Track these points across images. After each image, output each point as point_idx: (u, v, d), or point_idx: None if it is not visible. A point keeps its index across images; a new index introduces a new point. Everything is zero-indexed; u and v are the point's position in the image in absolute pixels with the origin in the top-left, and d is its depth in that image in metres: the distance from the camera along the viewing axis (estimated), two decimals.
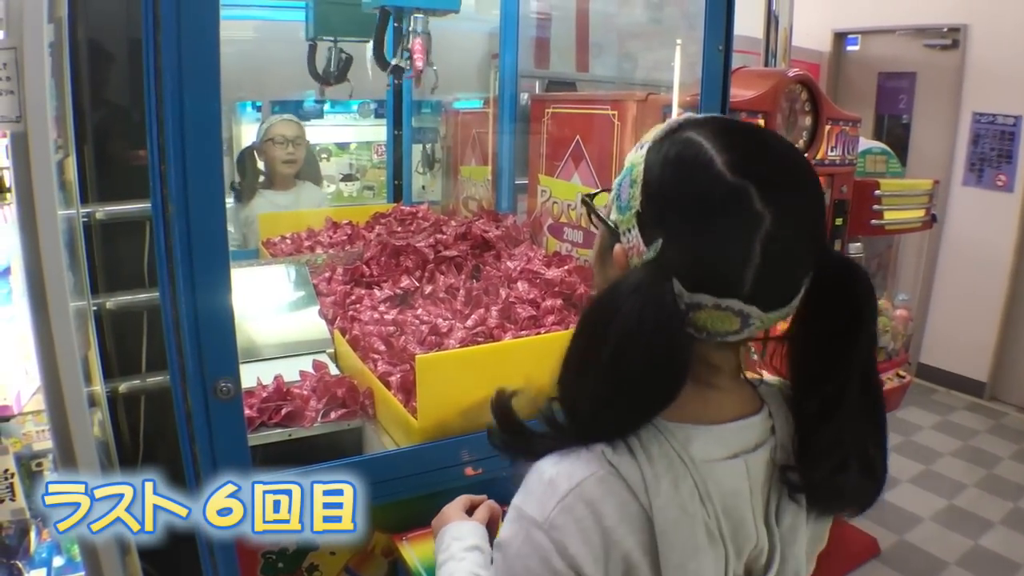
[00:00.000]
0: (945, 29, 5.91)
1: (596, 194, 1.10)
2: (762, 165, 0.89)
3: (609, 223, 1.00)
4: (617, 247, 0.97)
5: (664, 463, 0.91)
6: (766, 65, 3.86)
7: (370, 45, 2.42)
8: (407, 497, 1.58)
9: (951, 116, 5.88)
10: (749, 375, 1.05)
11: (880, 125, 6.49)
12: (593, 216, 1.06)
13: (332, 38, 2.74)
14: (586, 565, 0.88)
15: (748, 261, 0.85)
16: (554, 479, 0.92)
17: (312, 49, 2.81)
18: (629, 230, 0.94)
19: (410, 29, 2.24)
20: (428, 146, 3.75)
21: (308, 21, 2.68)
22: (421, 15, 2.24)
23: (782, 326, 0.99)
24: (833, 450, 0.97)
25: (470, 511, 1.37)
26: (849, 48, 6.63)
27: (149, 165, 1.23)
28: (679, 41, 2.48)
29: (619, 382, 0.88)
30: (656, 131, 0.97)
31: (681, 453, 0.92)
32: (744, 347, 1.01)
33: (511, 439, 1.02)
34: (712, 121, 0.95)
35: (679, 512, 0.90)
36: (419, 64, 2.26)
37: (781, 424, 1.02)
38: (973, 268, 5.79)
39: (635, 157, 0.97)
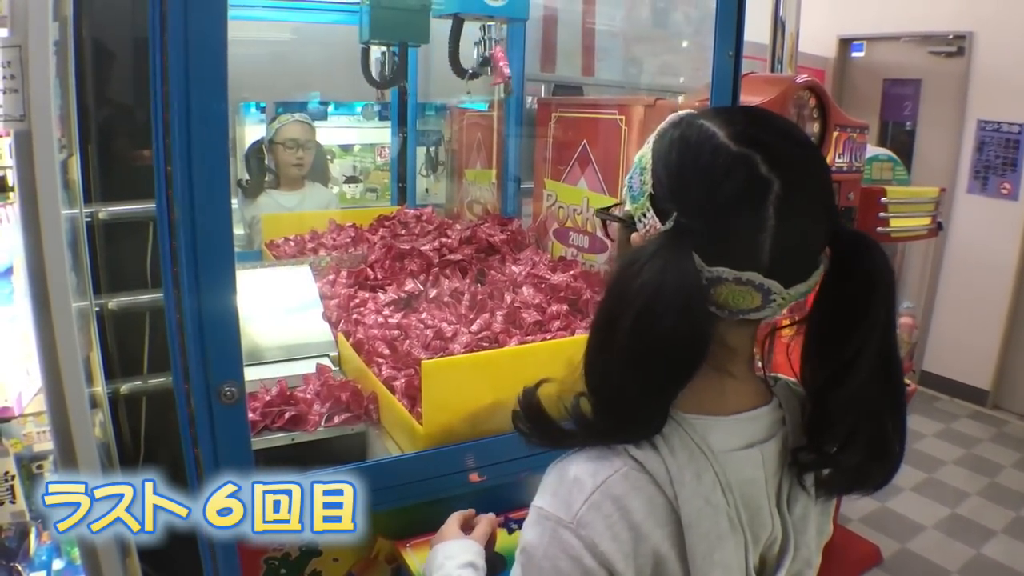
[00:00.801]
0: (950, 36, 5.91)
1: (612, 206, 1.10)
2: (764, 135, 0.91)
3: (622, 218, 1.02)
4: (634, 235, 0.98)
5: (685, 454, 0.92)
6: (772, 71, 3.85)
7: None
8: (411, 503, 1.57)
9: (956, 123, 5.88)
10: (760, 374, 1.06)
11: (885, 132, 6.48)
12: (609, 222, 1.07)
13: (386, 42, 2.73)
14: (617, 562, 0.88)
15: (762, 227, 0.87)
16: (579, 477, 0.92)
17: (365, 53, 2.81)
18: (644, 215, 0.96)
19: (486, 36, 2.29)
20: (431, 149, 3.73)
21: (362, 25, 2.67)
22: (494, 23, 2.27)
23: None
24: (841, 422, 0.97)
25: (467, 527, 1.37)
26: (854, 55, 6.63)
27: (154, 167, 1.21)
28: (685, 44, 2.47)
29: (641, 351, 0.88)
30: (660, 125, 1.00)
31: (701, 444, 0.93)
32: (756, 344, 1.03)
33: (536, 428, 1.00)
34: (712, 109, 1.00)
35: (703, 503, 0.90)
36: (506, 71, 2.30)
37: (791, 415, 1.03)
38: (977, 276, 5.79)
39: (643, 150, 1.00)
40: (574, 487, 0.91)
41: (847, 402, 0.96)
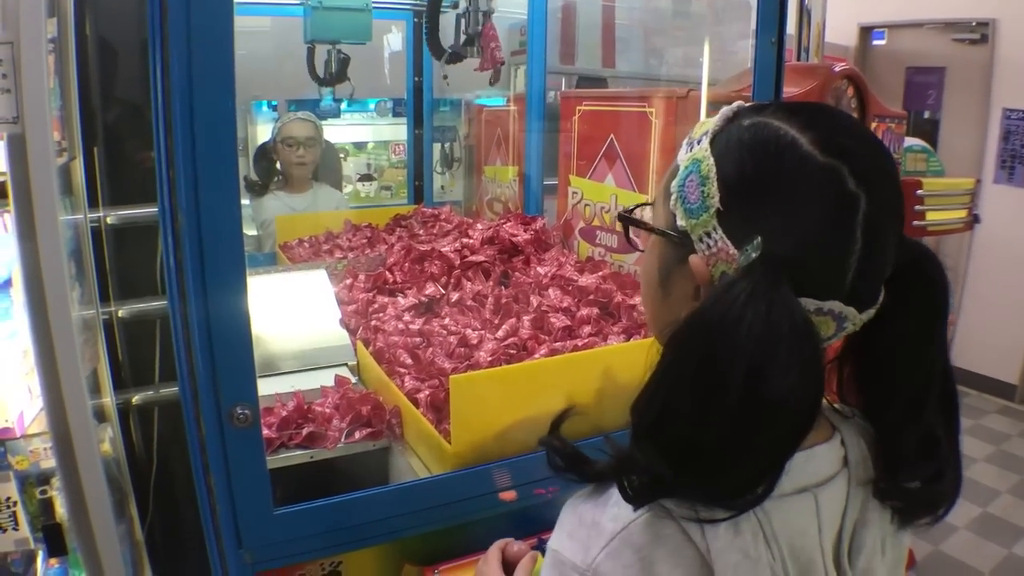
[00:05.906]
0: (973, 23, 5.80)
1: (635, 208, 0.98)
2: (848, 142, 0.78)
3: (671, 233, 0.86)
4: (694, 258, 0.82)
5: None
6: (798, 60, 3.74)
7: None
8: (440, 527, 1.46)
9: (981, 112, 5.80)
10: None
11: (908, 121, 6.36)
12: (637, 232, 0.94)
13: (330, 41, 2.70)
14: None
15: (850, 251, 0.76)
16: (598, 521, 0.82)
17: (311, 52, 2.78)
18: (708, 234, 0.81)
19: (471, 8, 1.94)
20: (447, 145, 3.66)
21: (306, 25, 2.62)
22: None
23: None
24: (926, 457, 0.88)
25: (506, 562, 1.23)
26: (875, 42, 6.53)
27: (156, 171, 1.11)
28: (707, 40, 2.34)
29: (760, 412, 0.73)
30: (712, 122, 0.86)
31: None
32: None
33: (571, 466, 0.88)
34: (772, 104, 0.84)
35: (740, 556, 0.77)
36: (499, 54, 1.96)
37: (853, 450, 0.90)
38: (1005, 268, 5.71)
39: (697, 152, 0.84)
40: (592, 531, 0.81)
41: (926, 440, 0.87)
